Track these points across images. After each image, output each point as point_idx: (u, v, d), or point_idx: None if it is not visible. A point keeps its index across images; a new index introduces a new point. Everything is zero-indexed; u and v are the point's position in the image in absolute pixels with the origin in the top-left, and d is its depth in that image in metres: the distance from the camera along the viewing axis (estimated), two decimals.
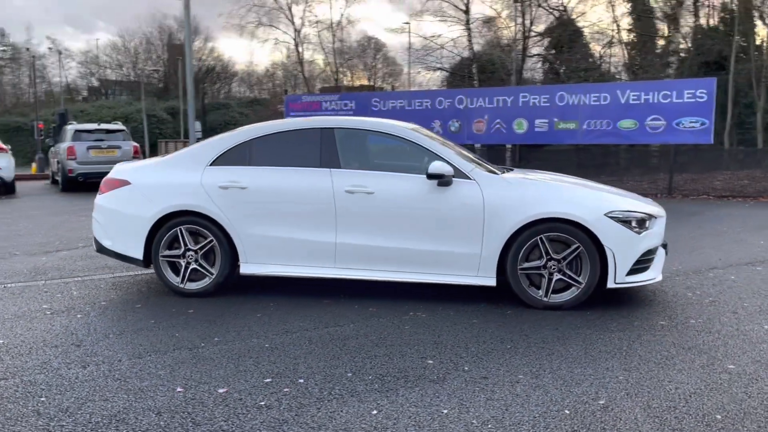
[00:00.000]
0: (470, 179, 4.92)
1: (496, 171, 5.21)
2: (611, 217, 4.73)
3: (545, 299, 4.83)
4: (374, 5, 51.81)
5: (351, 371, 3.57)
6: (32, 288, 5.60)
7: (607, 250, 4.73)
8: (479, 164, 5.38)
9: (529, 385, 3.38)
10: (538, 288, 4.85)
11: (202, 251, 5.23)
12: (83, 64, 71.18)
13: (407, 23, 29.17)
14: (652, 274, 4.95)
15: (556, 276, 4.80)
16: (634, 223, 4.79)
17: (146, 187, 5.34)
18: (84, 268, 6.39)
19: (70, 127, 16.69)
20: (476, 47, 28.31)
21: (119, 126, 17.20)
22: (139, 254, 5.32)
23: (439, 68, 30.50)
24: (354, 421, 2.95)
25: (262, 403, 3.15)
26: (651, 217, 4.93)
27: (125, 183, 5.42)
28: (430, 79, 29.88)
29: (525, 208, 4.79)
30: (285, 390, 3.31)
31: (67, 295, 5.33)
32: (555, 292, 4.83)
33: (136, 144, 16.48)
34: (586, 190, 5.04)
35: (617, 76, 29.98)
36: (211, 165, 5.30)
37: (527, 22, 25.99)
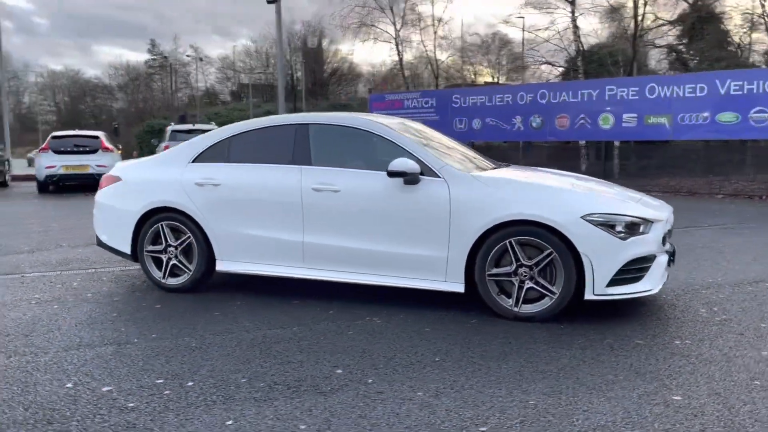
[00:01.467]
0: (439, 177, 4.58)
1: (485, 168, 4.85)
2: (589, 221, 4.21)
3: (515, 309, 4.40)
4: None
5: (249, 377, 3.41)
6: (46, 278, 5.90)
7: (583, 257, 4.22)
8: (472, 161, 5.06)
9: (421, 403, 3.05)
10: (509, 296, 4.42)
11: (181, 247, 5.27)
12: (220, 70, 75.80)
13: (521, 17, 27.93)
14: (646, 286, 4.37)
15: (528, 284, 4.36)
16: (619, 228, 4.24)
17: (134, 184, 5.47)
18: (109, 260, 6.66)
19: (169, 128, 17.74)
20: (591, 39, 26.86)
21: (213, 126, 18.01)
22: (127, 248, 5.46)
23: (547, 62, 29.28)
24: (201, 431, 2.80)
25: (131, 404, 3.07)
26: (645, 221, 4.35)
27: (117, 179, 5.59)
28: (550, 73, 28.72)
29: (493, 209, 4.39)
30: (165, 392, 3.21)
31: (67, 286, 5.57)
32: (528, 301, 4.39)
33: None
34: (568, 191, 4.53)
35: (761, 65, 27.30)
36: (192, 162, 5.34)
37: (653, 9, 24.21)
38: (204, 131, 17.11)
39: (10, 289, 5.53)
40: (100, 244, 5.73)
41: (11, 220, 10.50)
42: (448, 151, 5.26)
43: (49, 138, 16.39)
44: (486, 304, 4.49)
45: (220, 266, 5.20)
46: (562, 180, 4.94)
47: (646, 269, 4.38)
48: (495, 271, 4.42)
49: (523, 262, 4.35)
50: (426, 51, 30.23)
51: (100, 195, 5.68)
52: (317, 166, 4.93)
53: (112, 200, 5.55)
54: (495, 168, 5.19)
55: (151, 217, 5.34)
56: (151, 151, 24.73)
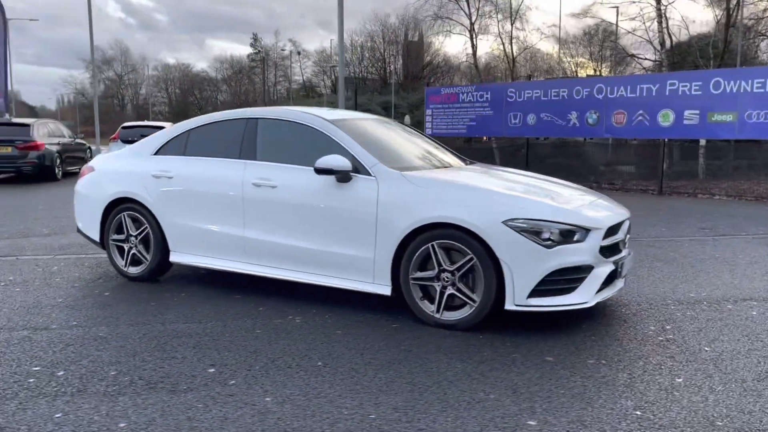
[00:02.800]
0: (371, 176, 4.43)
1: (445, 166, 4.72)
2: (511, 226, 3.94)
3: (437, 316, 4.19)
4: None
5: (120, 370, 3.44)
6: (36, 261, 6.22)
7: (503, 264, 3.96)
8: (430, 160, 4.91)
9: (259, 410, 2.97)
10: (433, 302, 4.22)
11: (140, 237, 5.40)
12: (317, 63, 77.49)
13: (615, 6, 26.46)
14: (578, 299, 4.04)
15: (450, 290, 4.14)
16: (546, 235, 3.94)
17: (103, 174, 5.65)
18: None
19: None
20: (684, 29, 25.20)
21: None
22: (97, 236, 5.66)
23: (631, 55, 27.79)
24: (34, 421, 2.84)
25: None
26: (581, 229, 4.02)
27: (92, 169, 5.79)
28: (642, 67, 27.19)
29: (418, 210, 4.20)
30: (30, 380, 3.29)
31: (46, 270, 5.84)
32: (451, 308, 4.17)
33: None
34: (497, 193, 4.24)
35: None
36: (154, 154, 5.44)
37: None
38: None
39: (5, 269, 5.86)
40: (78, 231, 5.96)
41: (61, 203, 11.14)
42: (403, 149, 5.10)
43: (119, 128, 17.27)
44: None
45: (173, 257, 5.28)
46: (507, 182, 4.65)
47: (579, 280, 4.05)
48: (418, 275, 4.23)
49: (445, 267, 4.14)
50: (503, 44, 29.47)
51: (78, 184, 5.90)
52: (261, 161, 4.90)
53: (86, 189, 5.76)
54: (441, 168, 4.95)
55: (115, 206, 5.49)
56: None
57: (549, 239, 3.94)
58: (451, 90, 17.24)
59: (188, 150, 5.30)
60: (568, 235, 4.00)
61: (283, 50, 70.20)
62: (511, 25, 28.35)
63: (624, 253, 4.43)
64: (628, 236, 4.52)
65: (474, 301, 4.07)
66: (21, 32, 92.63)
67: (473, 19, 27.62)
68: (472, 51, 27.67)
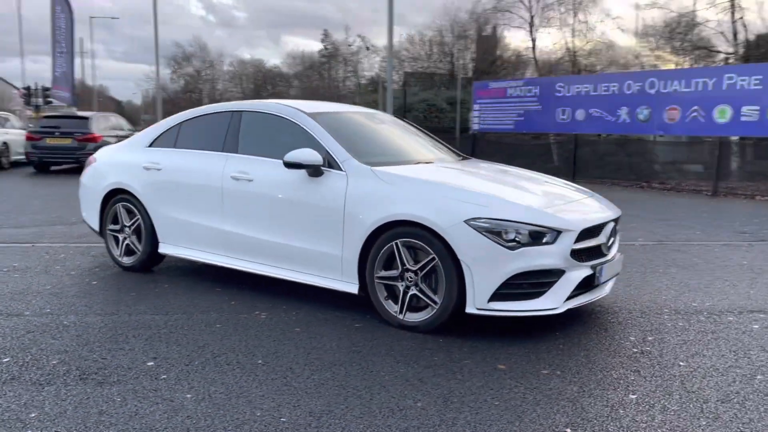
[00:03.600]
0: (341, 170, 4.32)
1: (428, 161, 4.65)
2: (473, 225, 3.75)
3: (400, 316, 4.05)
4: None
5: (63, 360, 3.47)
6: (48, 249, 6.42)
7: (464, 265, 3.78)
8: (414, 155, 4.79)
9: (173, 406, 2.92)
10: (397, 302, 4.08)
11: (133, 228, 5.47)
12: (385, 59, 77.74)
13: None
14: (546, 304, 3.81)
15: (412, 290, 3.99)
16: (510, 236, 3.73)
17: (103, 165, 5.77)
18: None
19: None
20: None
21: None
22: (96, 226, 5.78)
23: (703, 48, 26.44)
24: None
25: None
26: (551, 230, 3.79)
27: (94, 161, 5.92)
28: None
29: (383, 206, 4.06)
30: None
31: (53, 258, 6.02)
32: (415, 309, 4.02)
33: None
34: (464, 191, 4.04)
35: None
36: (149, 146, 5.51)
37: None
38: None
39: (6, 255, 6.08)
40: (83, 220, 6.11)
41: None
42: (385, 144, 4.97)
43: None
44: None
45: (162, 249, 5.33)
46: (486, 180, 4.43)
47: (548, 285, 3.82)
48: (383, 273, 4.10)
49: (408, 266, 3.98)
50: (564, 38, 28.58)
51: (82, 175, 6.05)
52: (242, 154, 4.86)
53: (88, 180, 5.89)
54: (422, 163, 4.78)
55: (112, 197, 5.59)
56: None
57: (513, 240, 3.73)
58: (499, 84, 16.85)
59: (178, 142, 5.33)
60: (537, 236, 3.78)
61: (350, 46, 70.62)
62: (574, 17, 27.43)
63: (607, 257, 4.15)
64: (612, 239, 4.22)
65: (436, 303, 3.90)
66: (111, 30, 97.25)
67: (533, 11, 26.88)
68: (532, 45, 26.92)
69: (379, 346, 3.75)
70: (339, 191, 4.25)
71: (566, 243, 3.82)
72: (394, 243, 4.01)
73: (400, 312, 4.03)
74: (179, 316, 4.27)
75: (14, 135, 17.42)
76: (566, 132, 15.50)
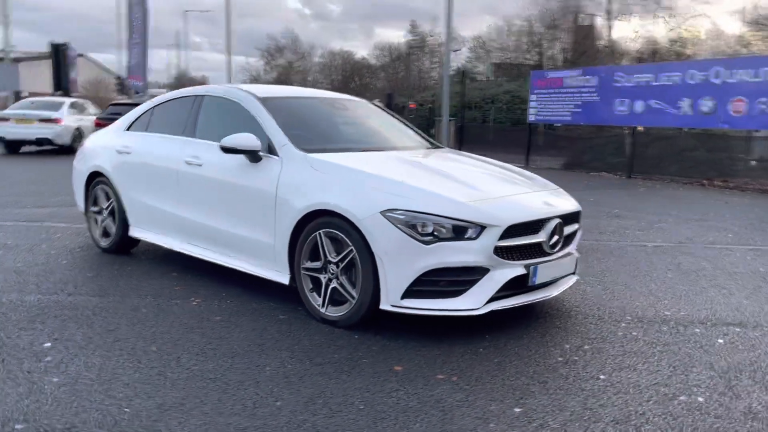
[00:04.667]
0: (278, 156, 4.20)
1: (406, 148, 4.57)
2: (388, 217, 3.53)
3: (322, 310, 3.89)
4: None
5: None
6: (49, 228, 6.66)
7: (377, 259, 3.56)
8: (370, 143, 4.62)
9: (26, 390, 2.90)
10: (320, 295, 3.92)
11: (108, 210, 5.57)
12: (472, 50, 77.02)
13: None
14: (465, 304, 3.55)
15: (333, 284, 3.82)
16: (428, 229, 3.49)
17: (88, 149, 5.90)
18: None
19: None
20: None
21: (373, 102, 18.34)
22: (82, 208, 5.93)
23: None
24: None
25: None
26: (474, 225, 3.51)
27: (83, 145, 6.07)
28: None
29: (309, 194, 3.91)
30: None
31: (47, 237, 6.22)
32: (336, 303, 3.85)
33: None
34: (386, 180, 3.80)
35: None
36: (126, 130, 5.58)
37: None
38: None
39: (8, 234, 6.34)
40: (75, 203, 6.29)
41: None
42: (340, 131, 4.79)
43: None
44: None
45: (132, 232, 5.38)
46: (427, 171, 4.17)
47: (469, 283, 3.55)
48: (308, 264, 3.94)
49: (330, 258, 3.81)
50: (648, 26, 27.04)
51: (74, 158, 6.21)
52: (198, 138, 4.82)
53: (77, 163, 6.04)
54: (371, 151, 4.56)
55: (92, 180, 5.71)
56: None
57: (431, 234, 3.48)
58: (557, 74, 16.15)
59: (150, 126, 5.36)
60: (460, 231, 3.51)
61: (431, 36, 69.97)
62: (656, 3, 25.93)
63: (550, 257, 3.81)
64: (556, 237, 3.85)
65: (353, 297, 3.71)
66: (214, 23, 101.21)
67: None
68: (608, 32, 25.65)
69: (287, 339, 3.60)
70: (273, 178, 4.12)
71: (490, 239, 3.52)
72: (317, 233, 3.84)
73: (323, 305, 3.87)
74: (115, 299, 4.28)
75: (88, 122, 18.33)
76: (624, 125, 14.66)
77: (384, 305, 3.58)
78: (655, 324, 4.03)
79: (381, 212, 3.55)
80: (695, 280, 5.14)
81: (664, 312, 4.29)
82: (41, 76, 36.03)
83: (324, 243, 3.81)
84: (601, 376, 3.20)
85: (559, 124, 17.21)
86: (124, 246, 5.54)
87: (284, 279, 4.10)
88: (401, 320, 3.78)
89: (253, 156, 4.24)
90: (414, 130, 5.41)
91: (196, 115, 4.93)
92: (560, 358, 3.43)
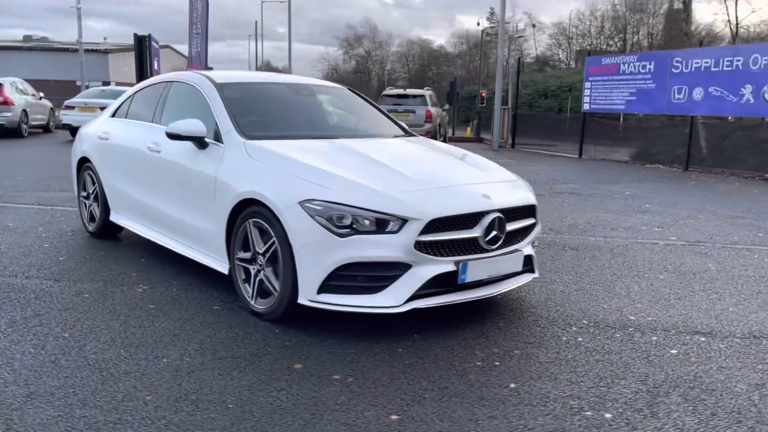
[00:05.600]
0: (222, 144, 4.12)
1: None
2: (306, 207, 3.38)
3: (251, 302, 3.79)
4: None
5: None
6: (57, 212, 6.88)
7: (295, 252, 3.42)
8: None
9: None
10: (251, 286, 3.82)
11: (93, 195, 5.67)
12: (552, 37, 75.06)
13: None
14: (385, 300, 3.36)
15: (260, 275, 3.71)
16: (347, 221, 3.32)
17: (81, 135, 6.02)
18: None
19: (384, 93, 18.39)
20: None
21: (420, 92, 18.09)
22: (75, 192, 6.08)
23: None
24: None
25: None
26: (395, 218, 3.32)
27: (79, 132, 6.20)
28: None
29: (241, 183, 3.81)
30: None
31: (48, 221, 6.43)
32: (264, 295, 3.74)
33: (430, 109, 17.16)
34: (317, 170, 3.62)
35: None
36: (111, 116, 5.65)
37: None
38: (412, 96, 17.41)
39: (15, 216, 6.59)
40: None
41: None
42: (300, 118, 4.67)
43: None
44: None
45: (112, 217, 5.45)
46: (367, 159, 3.96)
47: (390, 279, 3.35)
48: (241, 255, 3.85)
49: (257, 249, 3.70)
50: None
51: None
52: (163, 125, 4.80)
53: (73, 149, 6.18)
54: (324, 139, 4.40)
55: (82, 165, 5.83)
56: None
57: (347, 227, 3.30)
58: (612, 60, 15.37)
59: (129, 113, 5.40)
60: (381, 224, 3.32)
61: (507, 23, 68.41)
62: None
63: (487, 253, 3.54)
64: (494, 233, 3.57)
65: (276, 290, 3.58)
66: (298, 14, 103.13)
67: None
68: (684, 16, 24.24)
69: (206, 331, 3.52)
70: (215, 165, 4.04)
71: (410, 233, 3.31)
72: (246, 223, 3.73)
73: (252, 297, 3.77)
74: (67, 283, 4.33)
75: None
76: (681, 114, 13.79)
77: (301, 299, 3.44)
78: (610, 330, 3.69)
79: (299, 202, 3.40)
80: (688, 283, 4.70)
81: (629, 317, 3.93)
82: (129, 66, 37.89)
83: (252, 233, 3.70)
84: (511, 385, 2.94)
85: (615, 113, 16.40)
86: (108, 231, 5.62)
87: (224, 268, 4.03)
88: (342, 315, 3.61)
89: (200, 143, 4.17)
90: (389, 118, 5.20)
91: (165, 101, 4.91)
92: (479, 363, 3.18)
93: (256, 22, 76.62)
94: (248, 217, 3.71)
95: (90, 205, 5.72)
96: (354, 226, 3.31)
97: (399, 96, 17.72)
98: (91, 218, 5.73)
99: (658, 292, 4.45)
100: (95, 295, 4.08)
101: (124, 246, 5.41)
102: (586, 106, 16.08)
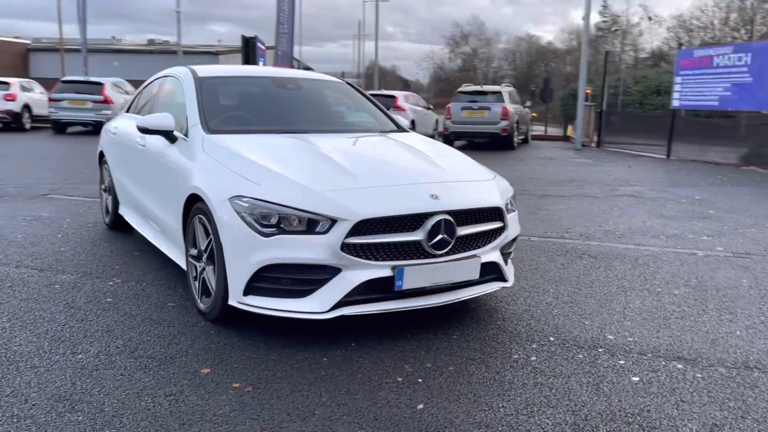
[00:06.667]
0: (187, 138, 4.06)
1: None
2: (234, 204, 3.24)
3: (198, 300, 3.70)
4: None
5: None
6: (87, 203, 7.15)
7: (224, 250, 3.29)
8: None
9: None
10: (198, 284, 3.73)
11: (107, 188, 5.82)
12: (671, 30, 71.30)
13: None
14: (310, 306, 3.16)
15: (205, 273, 3.61)
16: (273, 219, 3.15)
17: (103, 130, 6.19)
18: None
19: (459, 89, 17.97)
20: None
21: (498, 88, 17.49)
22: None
23: None
24: None
25: None
26: (323, 218, 3.11)
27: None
28: None
29: (192, 177, 3.72)
30: None
31: (77, 211, 6.68)
32: (207, 293, 3.63)
33: (507, 106, 16.57)
34: (256, 164, 3.46)
35: None
36: (126, 112, 5.78)
37: None
38: (488, 93, 16.89)
39: (56, 207, 6.90)
40: None
41: None
42: (281, 113, 4.53)
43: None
44: None
45: (120, 210, 5.56)
46: (323, 152, 3.74)
47: (318, 283, 3.14)
48: (191, 251, 3.77)
49: (201, 246, 3.60)
50: None
51: None
52: None
53: None
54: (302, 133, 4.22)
55: (101, 160, 6.01)
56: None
57: (273, 226, 3.12)
58: (705, 52, 14.16)
59: (134, 108, 5.48)
60: (310, 224, 3.12)
61: (618, 16, 65.29)
62: None
63: (431, 259, 3.24)
64: (441, 237, 3.25)
65: (213, 290, 3.46)
66: (407, 13, 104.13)
67: None
68: None
69: (140, 328, 3.46)
70: (180, 159, 3.98)
71: (338, 234, 3.07)
72: (194, 219, 3.64)
73: (198, 295, 3.66)
74: (49, 274, 4.42)
75: None
76: None
77: (231, 300, 3.29)
78: (575, 350, 3.28)
79: (229, 198, 3.25)
80: (703, 301, 4.14)
81: (607, 336, 3.49)
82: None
83: (197, 229, 3.60)
84: (419, 406, 2.65)
85: (708, 110, 15.13)
86: (120, 223, 5.72)
87: (183, 264, 3.95)
88: (289, 319, 3.44)
89: (168, 137, 4.13)
90: (385, 114, 4.95)
91: (158, 96, 4.93)
92: (400, 379, 2.90)
93: (359, 21, 77.70)
94: (195, 213, 3.61)
95: (106, 198, 5.86)
96: (281, 225, 3.11)
97: (475, 93, 17.22)
98: (107, 211, 5.87)
99: (660, 310, 3.94)
100: (65, 287, 4.12)
101: (131, 239, 5.49)
102: (675, 103, 14.94)
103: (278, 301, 3.17)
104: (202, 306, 3.59)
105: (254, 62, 20.17)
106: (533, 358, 3.16)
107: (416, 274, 3.20)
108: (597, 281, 4.53)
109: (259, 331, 3.39)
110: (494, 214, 3.52)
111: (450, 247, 3.29)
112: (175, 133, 4.10)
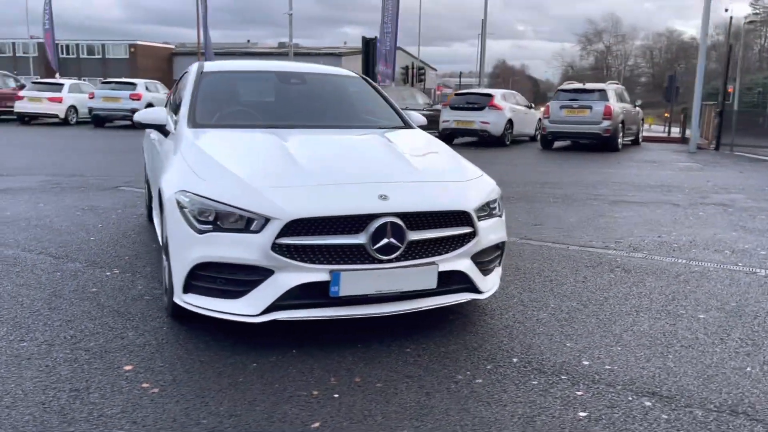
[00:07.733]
0: (174, 132, 4.09)
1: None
2: (178, 199, 3.18)
3: (164, 294, 3.69)
4: None
5: None
6: (134, 193, 7.43)
7: (169, 245, 3.25)
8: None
9: None
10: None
11: (146, 182, 6.03)
12: None
13: None
14: (243, 308, 3.04)
15: (165, 267, 3.59)
16: (210, 216, 3.06)
17: None
18: None
19: (560, 87, 17.12)
20: None
21: (601, 86, 16.46)
22: None
23: None
24: None
25: None
26: (258, 216, 2.98)
27: None
28: None
29: (162, 172, 3.73)
30: None
31: (128, 203, 7.00)
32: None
33: (610, 105, 15.57)
34: (211, 159, 3.38)
35: None
36: (165, 107, 5.95)
37: None
38: (590, 91, 15.96)
39: (119, 198, 7.27)
40: None
41: None
42: (274, 107, 4.45)
43: (451, 95, 18.05)
44: None
45: (153, 204, 5.72)
46: (298, 147, 3.60)
47: (250, 284, 3.02)
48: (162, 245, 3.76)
49: (161, 240, 3.59)
50: None
51: None
52: (174, 114, 4.91)
53: None
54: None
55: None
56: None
57: (208, 222, 3.03)
58: None
59: (168, 103, 5.61)
60: (247, 222, 3.00)
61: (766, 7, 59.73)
62: None
63: (381, 264, 3.00)
64: (386, 240, 3.00)
65: (166, 286, 3.43)
66: (539, 11, 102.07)
67: None
68: None
69: (96, 320, 3.47)
70: (167, 153, 4.01)
71: (269, 234, 2.92)
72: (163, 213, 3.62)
73: (164, 289, 3.65)
74: (62, 261, 4.60)
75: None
76: None
77: (176, 298, 3.22)
78: (532, 374, 2.91)
79: (175, 193, 3.19)
80: (725, 329, 3.56)
81: (583, 362, 3.07)
82: (359, 67, 40.88)
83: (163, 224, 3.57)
84: (315, 424, 2.44)
85: None
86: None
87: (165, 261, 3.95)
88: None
89: (161, 131, 4.16)
90: (395, 111, 4.71)
91: (179, 90, 5.00)
92: (315, 392, 2.70)
93: (483, 20, 76.83)
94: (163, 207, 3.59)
95: (145, 192, 6.06)
96: (218, 222, 3.00)
97: (576, 90, 16.32)
98: (146, 204, 6.07)
99: (667, 336, 3.43)
100: (65, 275, 4.26)
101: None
102: None
103: (213, 301, 3.07)
104: (165, 300, 3.56)
105: (374, 63, 20.39)
106: (478, 381, 2.83)
107: (356, 279, 2.96)
108: (612, 298, 4.04)
109: (209, 330, 3.30)
110: (459, 218, 3.20)
111: (399, 252, 3.02)
112: (167, 127, 4.11)
